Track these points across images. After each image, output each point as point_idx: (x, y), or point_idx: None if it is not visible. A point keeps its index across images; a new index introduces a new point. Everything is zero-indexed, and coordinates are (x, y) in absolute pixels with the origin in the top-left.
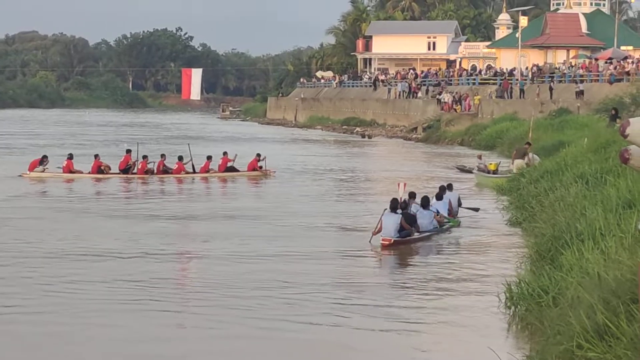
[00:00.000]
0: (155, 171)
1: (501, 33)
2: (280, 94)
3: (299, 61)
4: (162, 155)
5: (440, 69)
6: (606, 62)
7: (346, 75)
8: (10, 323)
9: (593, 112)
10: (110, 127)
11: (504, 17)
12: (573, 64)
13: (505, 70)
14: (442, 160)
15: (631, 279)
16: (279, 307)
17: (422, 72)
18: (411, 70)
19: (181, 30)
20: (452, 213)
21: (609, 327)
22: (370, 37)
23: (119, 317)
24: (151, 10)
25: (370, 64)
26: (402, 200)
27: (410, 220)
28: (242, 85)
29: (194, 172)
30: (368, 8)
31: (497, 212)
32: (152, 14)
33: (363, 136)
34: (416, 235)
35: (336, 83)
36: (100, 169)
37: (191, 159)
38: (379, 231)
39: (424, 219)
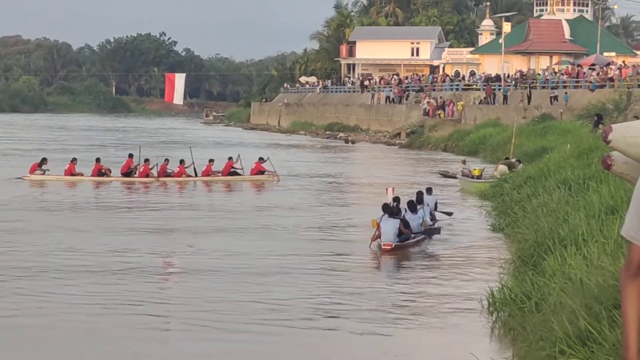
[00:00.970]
0: (157, 175)
1: (484, 39)
2: (264, 99)
3: (282, 66)
4: (166, 160)
5: (423, 75)
6: (589, 69)
7: (330, 81)
8: None
9: (576, 118)
10: (95, 132)
11: (487, 23)
12: (556, 70)
13: (487, 76)
14: (426, 166)
15: (613, 284)
16: (264, 312)
17: (406, 77)
18: (395, 76)
19: (165, 35)
20: (432, 217)
21: (591, 332)
22: (354, 42)
23: (107, 321)
24: (134, 15)
25: (353, 70)
26: (393, 205)
27: (406, 225)
28: (225, 90)
29: (196, 175)
30: (352, 13)
31: (481, 217)
32: (136, 19)
33: (346, 141)
34: (412, 238)
35: (320, 88)
36: (100, 172)
37: (193, 163)
38: (378, 236)
39: (413, 223)
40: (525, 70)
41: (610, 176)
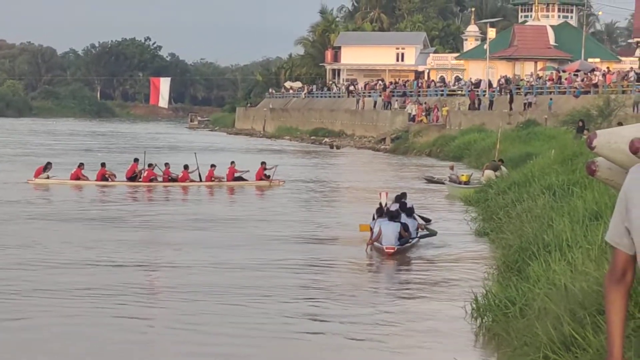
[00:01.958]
0: (162, 179)
1: (469, 45)
2: (249, 104)
3: (267, 71)
4: (166, 164)
5: (408, 80)
6: (573, 75)
7: (315, 86)
8: None
9: (560, 124)
10: (82, 137)
11: (472, 28)
12: (540, 75)
13: (472, 81)
14: (411, 171)
15: (597, 290)
16: (250, 316)
17: (391, 83)
18: (379, 82)
19: (149, 40)
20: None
21: (576, 338)
22: (339, 47)
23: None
24: (119, 20)
25: (339, 75)
26: (386, 208)
27: (406, 228)
28: (210, 95)
29: (201, 180)
30: (337, 19)
31: (465, 223)
32: (121, 24)
33: (331, 147)
34: (410, 242)
35: (305, 94)
36: (105, 177)
37: (197, 168)
38: (376, 240)
39: (410, 227)
40: (509, 76)
41: (595, 182)
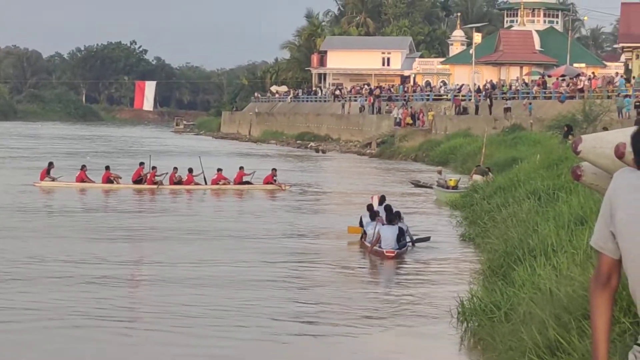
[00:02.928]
0: (168, 182)
1: (455, 49)
2: (235, 109)
3: (253, 76)
4: (175, 168)
5: (394, 85)
6: (560, 79)
7: (300, 90)
8: None
9: (546, 129)
10: (70, 141)
11: (458, 33)
12: (526, 80)
13: (456, 86)
14: (397, 176)
15: (583, 294)
16: (238, 318)
17: (377, 87)
18: (365, 86)
19: (135, 44)
20: None
21: (561, 342)
22: (325, 52)
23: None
24: (105, 24)
25: (324, 79)
26: (377, 211)
27: (402, 232)
28: (196, 99)
29: (206, 184)
30: (323, 23)
31: (452, 227)
32: (106, 27)
33: (317, 151)
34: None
35: (291, 98)
36: (109, 180)
37: (202, 172)
38: (375, 244)
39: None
40: (495, 80)
41: (580, 187)
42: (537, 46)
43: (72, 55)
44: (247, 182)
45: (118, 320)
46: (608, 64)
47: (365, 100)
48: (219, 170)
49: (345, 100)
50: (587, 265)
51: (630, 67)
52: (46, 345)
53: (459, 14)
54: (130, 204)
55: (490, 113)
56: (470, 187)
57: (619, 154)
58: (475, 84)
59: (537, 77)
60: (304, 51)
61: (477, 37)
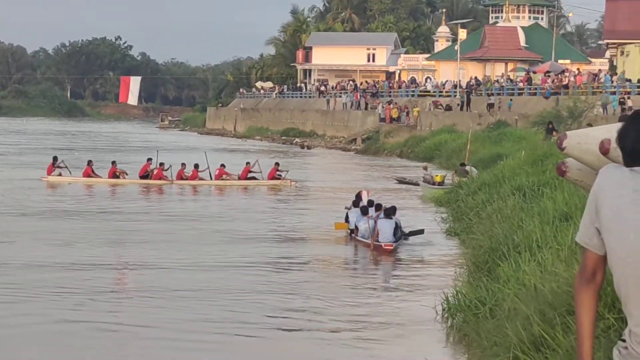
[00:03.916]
0: (175, 178)
1: (440, 45)
2: (220, 104)
3: (238, 71)
4: (183, 164)
5: (379, 81)
6: (546, 75)
7: (286, 86)
8: None
9: (531, 125)
10: (56, 136)
11: (443, 29)
12: (511, 77)
13: (442, 83)
14: (382, 172)
15: (567, 290)
16: (223, 318)
17: (362, 83)
18: (350, 82)
19: (120, 39)
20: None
21: (545, 338)
22: (310, 48)
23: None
24: (90, 19)
25: (310, 75)
26: (366, 207)
27: (397, 226)
28: (181, 95)
29: (211, 179)
30: (308, 19)
31: (437, 223)
32: (91, 23)
33: (302, 147)
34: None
35: (276, 94)
36: (115, 175)
37: (208, 167)
38: (375, 238)
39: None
40: (480, 77)
41: (565, 183)
42: (522, 42)
43: (57, 51)
44: (253, 178)
45: (100, 323)
46: (593, 60)
47: (352, 96)
48: (222, 165)
49: (331, 96)
50: (572, 262)
51: (614, 64)
52: (56, 343)
53: (444, 10)
54: (134, 200)
55: (469, 109)
56: (456, 183)
57: (604, 150)
58: (459, 80)
59: (522, 74)
60: (289, 47)
61: (462, 33)
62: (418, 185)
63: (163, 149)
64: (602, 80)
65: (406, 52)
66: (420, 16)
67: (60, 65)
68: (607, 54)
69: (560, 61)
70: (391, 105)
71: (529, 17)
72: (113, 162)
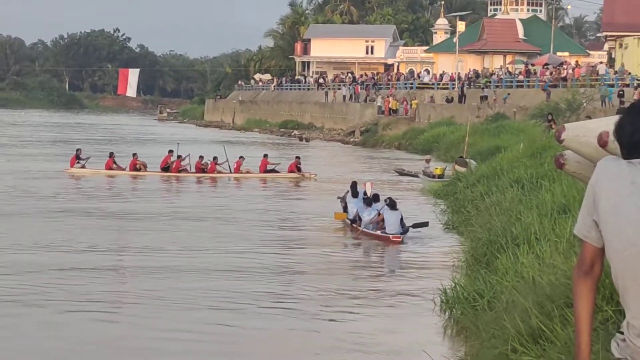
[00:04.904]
0: (194, 170)
1: (439, 38)
2: (218, 97)
3: (237, 64)
4: (201, 157)
5: (378, 73)
6: (543, 68)
7: (284, 78)
8: None
9: (529, 118)
10: (57, 128)
11: (441, 22)
12: (510, 69)
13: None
14: (381, 164)
15: (565, 283)
16: (226, 303)
17: (361, 75)
18: (349, 74)
19: (119, 32)
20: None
21: (543, 330)
22: (309, 40)
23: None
24: (88, 11)
25: (308, 67)
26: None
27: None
28: (179, 87)
29: (230, 172)
30: (307, 11)
31: (435, 215)
32: (90, 15)
33: (301, 139)
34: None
35: (274, 86)
36: (136, 167)
37: (227, 160)
38: (380, 228)
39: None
40: (479, 69)
41: (563, 175)
42: (521, 35)
43: (56, 43)
44: (273, 171)
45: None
46: (591, 52)
47: (353, 88)
48: (241, 157)
49: (329, 89)
50: (570, 254)
51: (613, 56)
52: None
53: (442, 2)
54: (154, 190)
55: (464, 102)
56: (454, 176)
57: (602, 143)
58: (458, 73)
59: (521, 66)
60: (288, 39)
61: (461, 26)
62: (417, 177)
63: (164, 142)
64: (600, 72)
65: (405, 45)
66: (419, 8)
67: (58, 57)
68: (606, 46)
69: (558, 54)
70: (390, 98)
71: (528, 10)
72: (134, 154)
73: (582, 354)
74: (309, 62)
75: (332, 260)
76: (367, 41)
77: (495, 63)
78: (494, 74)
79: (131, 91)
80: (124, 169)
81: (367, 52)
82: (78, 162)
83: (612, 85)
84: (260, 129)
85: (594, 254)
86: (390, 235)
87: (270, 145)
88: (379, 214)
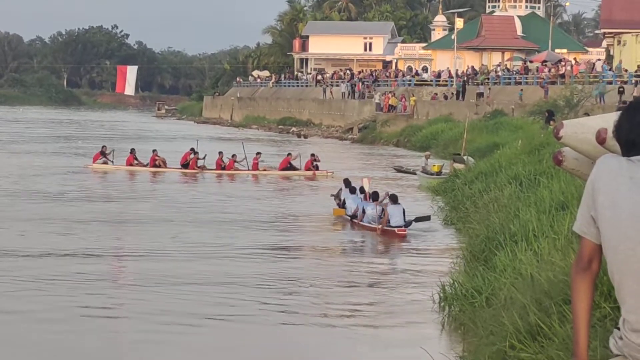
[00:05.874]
0: (215, 167)
1: (437, 35)
2: (217, 93)
3: (235, 60)
4: (220, 153)
5: (376, 70)
6: (541, 65)
7: (282, 75)
8: None
9: (527, 115)
10: (55, 125)
11: (440, 18)
12: (509, 66)
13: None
14: (379, 161)
15: (563, 279)
16: (219, 305)
17: (359, 72)
18: (347, 71)
19: (117, 28)
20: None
21: (542, 327)
22: (307, 37)
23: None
24: (87, 8)
25: (306, 64)
26: (371, 192)
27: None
28: (178, 83)
29: (249, 169)
30: (305, 8)
31: (433, 212)
32: (88, 12)
33: (299, 136)
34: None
35: (272, 83)
36: (155, 164)
37: (245, 157)
38: (384, 223)
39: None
40: (477, 66)
41: (561, 172)
42: (519, 32)
43: (54, 40)
44: (293, 168)
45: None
46: (590, 49)
47: (353, 85)
48: (258, 153)
49: (327, 86)
50: (568, 251)
51: (611, 53)
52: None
53: None
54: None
55: (462, 97)
56: (452, 173)
57: (600, 140)
58: (456, 69)
59: (519, 63)
60: (286, 36)
61: (459, 23)
62: (415, 174)
63: (162, 138)
64: (598, 69)
65: (403, 42)
66: (417, 5)
67: (56, 54)
68: (604, 43)
69: (557, 50)
70: (390, 95)
71: (526, 7)
72: (154, 151)
73: (580, 351)
74: (307, 59)
75: (329, 256)
76: (365, 38)
77: (494, 60)
78: (492, 70)
79: (129, 89)
80: (145, 165)
81: (365, 49)
82: (102, 158)
83: (610, 82)
84: (258, 126)
85: (593, 250)
86: (396, 229)
87: (268, 141)
88: (383, 210)
